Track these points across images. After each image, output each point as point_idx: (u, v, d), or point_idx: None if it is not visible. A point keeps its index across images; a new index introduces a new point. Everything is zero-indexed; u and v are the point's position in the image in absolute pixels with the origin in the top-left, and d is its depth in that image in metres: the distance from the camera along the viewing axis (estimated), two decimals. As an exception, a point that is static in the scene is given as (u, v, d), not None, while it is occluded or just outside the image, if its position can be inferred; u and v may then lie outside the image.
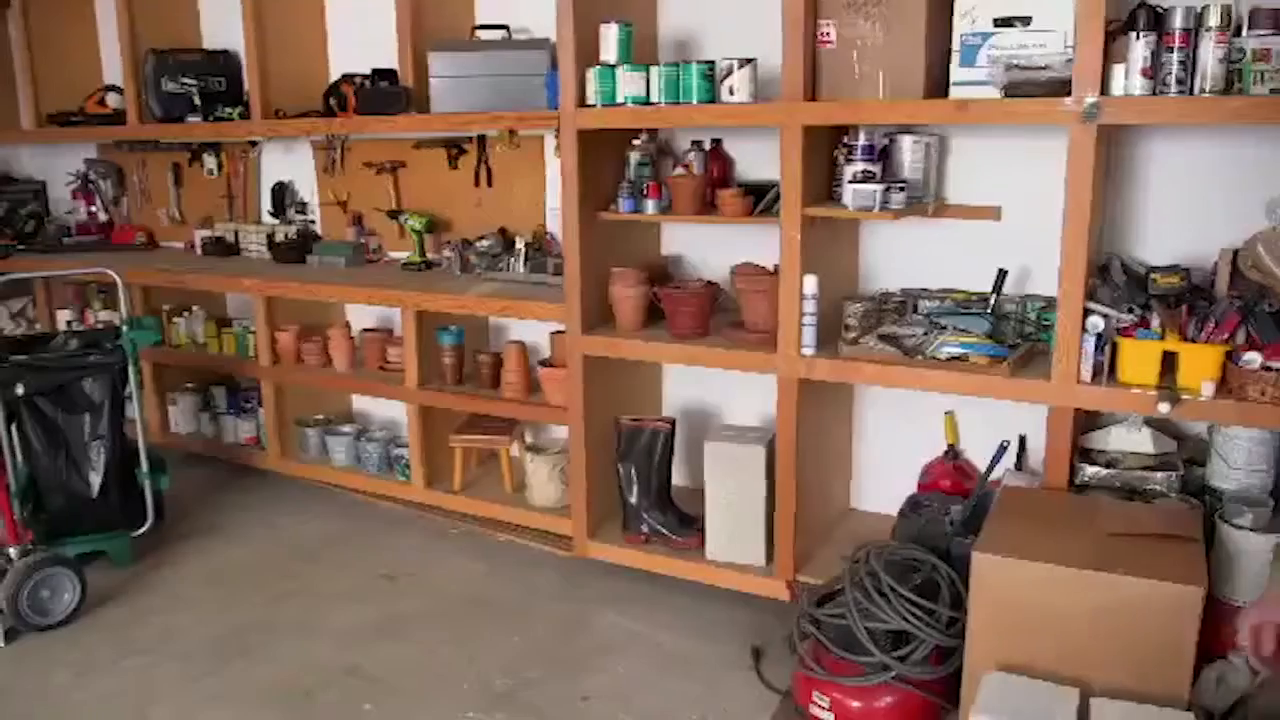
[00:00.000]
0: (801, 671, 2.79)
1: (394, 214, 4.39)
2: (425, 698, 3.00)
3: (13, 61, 5.50)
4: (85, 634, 3.40)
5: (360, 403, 4.80)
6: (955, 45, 2.81)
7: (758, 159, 3.53)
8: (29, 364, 3.61)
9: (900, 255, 3.43)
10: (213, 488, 4.57)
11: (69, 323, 5.20)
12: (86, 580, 3.48)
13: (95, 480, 3.69)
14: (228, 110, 4.59)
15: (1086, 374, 2.72)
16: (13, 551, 3.41)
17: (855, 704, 2.67)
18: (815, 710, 2.72)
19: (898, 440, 3.55)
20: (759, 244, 3.41)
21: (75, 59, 5.36)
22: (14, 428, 3.57)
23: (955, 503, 3.06)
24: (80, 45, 5.37)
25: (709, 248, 3.77)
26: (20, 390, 3.56)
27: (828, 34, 2.94)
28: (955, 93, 2.82)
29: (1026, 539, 2.47)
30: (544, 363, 3.85)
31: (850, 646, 2.66)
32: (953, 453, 3.42)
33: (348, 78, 4.16)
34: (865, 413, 3.62)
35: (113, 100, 5.12)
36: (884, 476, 3.59)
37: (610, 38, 3.24)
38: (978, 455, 3.40)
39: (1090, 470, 2.85)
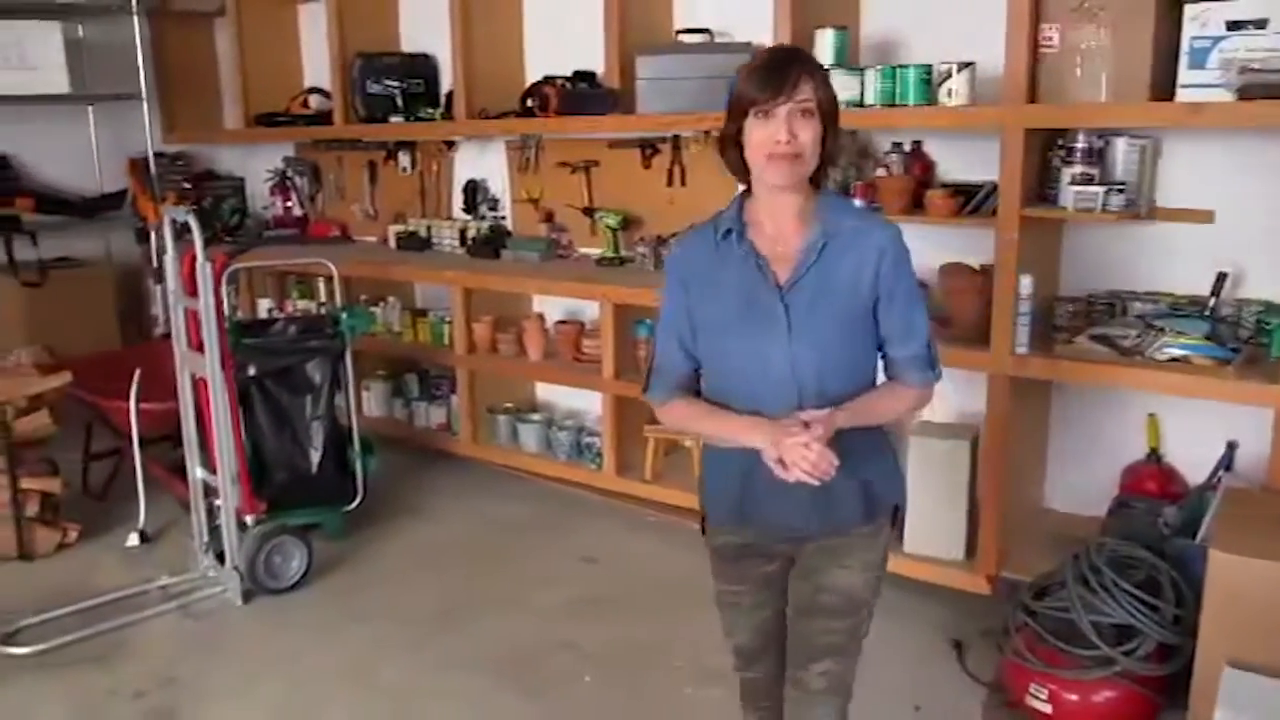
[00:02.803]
0: (1016, 662, 2.84)
1: (588, 211, 4.55)
2: (641, 672, 3.14)
3: (217, 67, 5.91)
4: (312, 599, 3.65)
5: (544, 391, 4.96)
6: (1184, 48, 2.83)
7: (958, 160, 3.59)
8: (259, 347, 3.88)
9: (1104, 257, 3.44)
10: (408, 471, 4.80)
11: (270, 310, 5.51)
12: (313, 549, 3.73)
13: (315, 457, 3.94)
14: (428, 111, 4.83)
15: (1317, 377, 2.72)
16: (249, 520, 3.67)
17: (1073, 697, 2.71)
18: (1031, 701, 2.76)
19: (1093, 441, 3.55)
20: (950, 243, 3.46)
21: (278, 64, 5.69)
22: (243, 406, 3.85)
23: (1161, 505, 3.07)
24: (283, 51, 5.71)
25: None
26: (251, 371, 3.83)
27: (1050, 38, 2.99)
28: (1182, 95, 2.83)
29: (1260, 539, 2.48)
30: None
31: (1070, 639, 2.70)
32: (1155, 455, 3.41)
33: (549, 79, 4.33)
34: (1060, 414, 3.63)
35: (314, 101, 5.43)
36: (1077, 477, 3.60)
37: (826, 42, 3.34)
38: (1175, 459, 3.38)
39: (1316, 475, 2.83)
